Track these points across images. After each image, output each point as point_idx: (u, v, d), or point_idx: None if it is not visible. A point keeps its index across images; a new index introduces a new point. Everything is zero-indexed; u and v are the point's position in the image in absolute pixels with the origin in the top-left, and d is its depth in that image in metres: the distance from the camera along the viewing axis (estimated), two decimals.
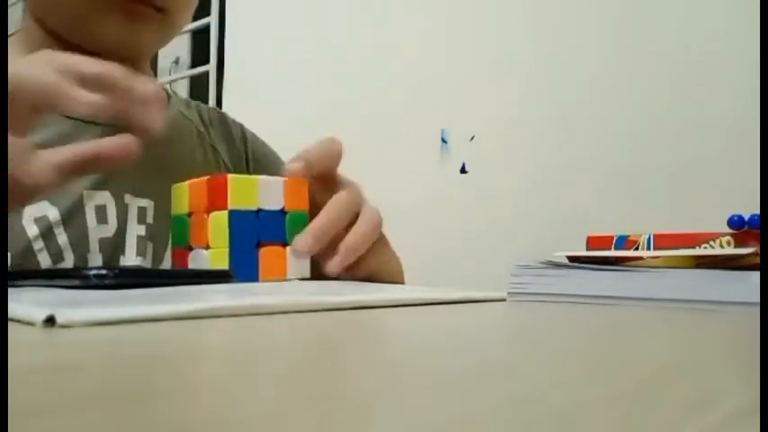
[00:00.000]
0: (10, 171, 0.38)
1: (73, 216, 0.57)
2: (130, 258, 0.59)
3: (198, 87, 2.28)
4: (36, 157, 0.39)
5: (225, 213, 0.44)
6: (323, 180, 0.52)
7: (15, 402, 0.11)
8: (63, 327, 0.21)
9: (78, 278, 0.36)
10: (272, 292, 0.37)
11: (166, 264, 0.62)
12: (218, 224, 0.45)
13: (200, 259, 0.46)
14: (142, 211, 0.61)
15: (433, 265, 1.59)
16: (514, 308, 0.40)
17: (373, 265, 0.56)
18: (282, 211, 0.47)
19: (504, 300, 0.44)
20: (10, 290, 0.31)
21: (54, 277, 0.39)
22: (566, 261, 0.47)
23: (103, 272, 0.35)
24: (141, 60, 0.66)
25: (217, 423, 0.10)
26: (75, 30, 0.59)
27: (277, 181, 0.47)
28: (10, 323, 0.22)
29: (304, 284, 0.51)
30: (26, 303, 0.24)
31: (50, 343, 0.19)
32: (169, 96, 0.69)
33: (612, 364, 0.18)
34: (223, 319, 0.25)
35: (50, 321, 0.21)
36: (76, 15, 0.58)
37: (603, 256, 0.46)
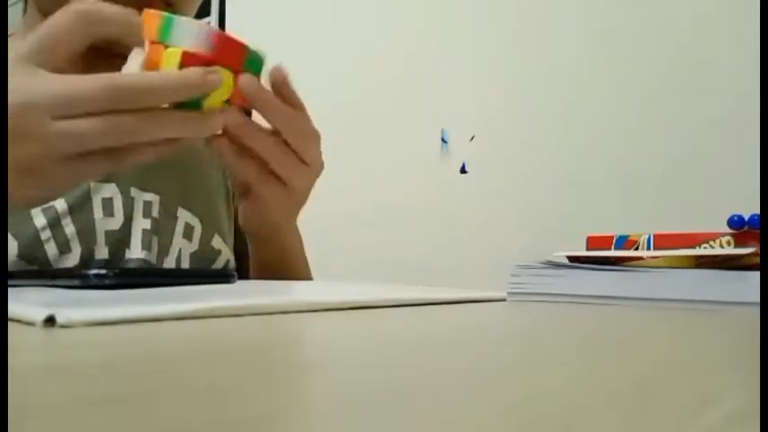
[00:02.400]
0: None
1: (80, 207, 0.57)
2: (135, 252, 0.59)
3: None
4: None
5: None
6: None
7: (15, 402, 0.11)
8: (63, 327, 0.21)
9: (78, 278, 0.36)
10: (271, 292, 0.37)
11: (171, 259, 0.62)
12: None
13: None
14: (148, 206, 0.61)
15: (433, 264, 1.59)
16: (514, 308, 0.40)
17: (276, 216, 0.55)
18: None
19: (504, 300, 0.44)
20: (10, 290, 0.31)
21: (54, 277, 0.39)
22: (566, 261, 0.47)
23: (103, 272, 0.35)
24: None
25: (217, 423, 0.10)
26: None
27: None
28: (10, 323, 0.22)
29: (304, 285, 0.51)
30: (26, 303, 0.24)
31: (50, 343, 0.19)
32: None
33: (612, 364, 0.18)
34: (223, 319, 0.25)
35: (50, 321, 0.21)
36: None
37: (603, 256, 0.46)
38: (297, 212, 0.59)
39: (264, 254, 0.62)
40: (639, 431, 0.11)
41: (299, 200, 0.55)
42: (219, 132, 0.48)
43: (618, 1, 1.38)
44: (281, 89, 0.49)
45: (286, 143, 0.49)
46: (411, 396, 0.13)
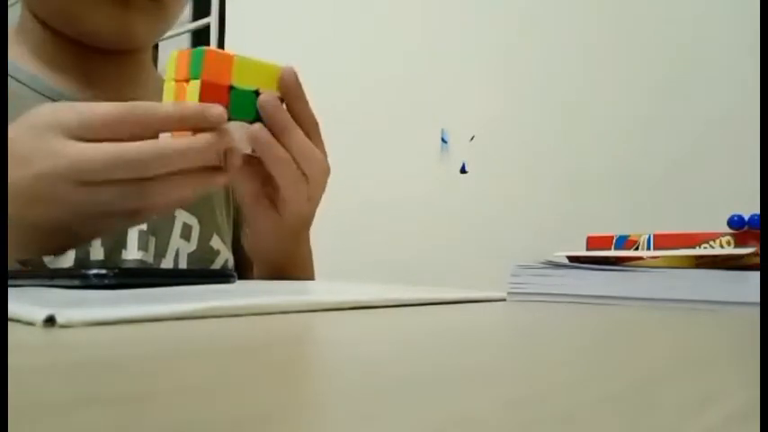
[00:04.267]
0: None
1: None
2: (132, 252, 0.59)
3: None
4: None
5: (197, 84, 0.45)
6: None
7: (15, 402, 0.11)
8: (63, 327, 0.21)
9: (78, 278, 0.36)
10: (271, 292, 0.37)
11: (169, 259, 0.62)
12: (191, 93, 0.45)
13: None
14: None
15: (433, 264, 1.59)
16: (514, 308, 0.40)
17: (270, 243, 0.56)
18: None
19: (504, 300, 0.44)
20: (10, 290, 0.31)
21: (54, 277, 0.39)
22: (566, 261, 0.47)
23: (103, 272, 0.35)
24: (140, 53, 0.66)
25: (217, 423, 0.10)
26: (68, 21, 0.59)
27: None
28: (10, 323, 0.22)
29: (304, 285, 0.51)
30: (26, 303, 0.24)
31: (50, 343, 0.19)
32: None
33: (612, 364, 0.18)
34: (223, 319, 0.25)
35: (50, 321, 0.21)
36: (67, 5, 0.58)
37: (603, 256, 0.46)
38: (296, 237, 0.60)
39: (267, 269, 0.63)
40: (639, 431, 0.11)
41: (295, 228, 0.57)
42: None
43: (618, 1, 1.38)
44: (295, 105, 0.50)
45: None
46: (411, 396, 0.13)
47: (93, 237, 0.47)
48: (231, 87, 0.46)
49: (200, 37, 2.30)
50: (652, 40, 1.33)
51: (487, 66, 1.56)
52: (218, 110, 0.42)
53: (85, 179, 0.40)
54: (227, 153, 0.44)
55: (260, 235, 0.57)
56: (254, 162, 0.50)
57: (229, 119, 0.45)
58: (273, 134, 0.49)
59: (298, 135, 0.50)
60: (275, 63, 0.49)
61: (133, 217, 0.44)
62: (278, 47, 1.97)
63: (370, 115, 1.74)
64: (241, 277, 0.49)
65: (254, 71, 0.47)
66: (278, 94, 0.49)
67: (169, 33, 2.17)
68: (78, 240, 0.47)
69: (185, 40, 2.34)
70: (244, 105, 0.46)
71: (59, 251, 0.50)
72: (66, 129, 0.40)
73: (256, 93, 0.47)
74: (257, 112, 0.47)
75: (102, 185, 0.40)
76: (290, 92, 0.50)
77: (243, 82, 0.46)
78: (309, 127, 0.51)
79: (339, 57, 1.84)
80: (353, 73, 1.80)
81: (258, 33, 2.06)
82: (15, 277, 0.40)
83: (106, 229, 0.46)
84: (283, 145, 0.49)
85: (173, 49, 0.47)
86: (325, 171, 0.54)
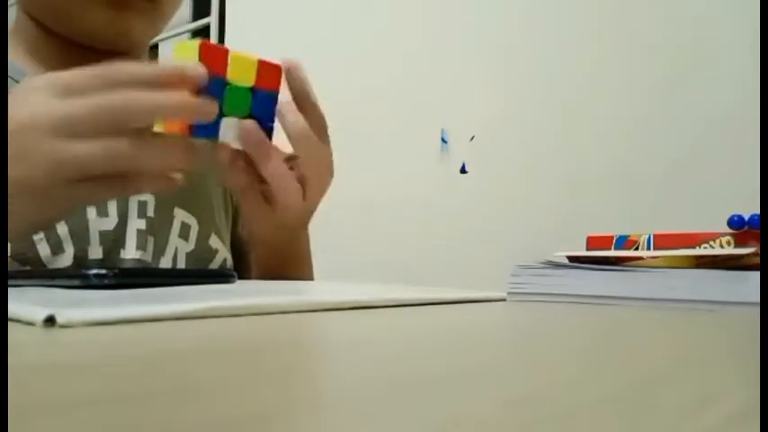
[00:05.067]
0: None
1: None
2: (130, 252, 0.59)
3: None
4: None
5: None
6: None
7: (15, 402, 0.11)
8: (63, 327, 0.21)
9: (78, 278, 0.36)
10: (271, 292, 0.37)
11: (167, 258, 0.62)
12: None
13: None
14: (143, 205, 0.61)
15: (433, 264, 1.59)
16: (514, 308, 0.40)
17: (263, 232, 0.54)
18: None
19: (503, 300, 0.44)
20: (10, 290, 0.31)
21: (54, 277, 0.39)
22: (566, 261, 0.47)
23: (103, 272, 0.35)
24: (136, 53, 0.66)
25: (217, 423, 0.10)
26: (62, 21, 0.59)
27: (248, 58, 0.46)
28: (10, 323, 0.22)
29: (304, 285, 0.51)
30: (26, 303, 0.24)
31: (50, 343, 0.19)
32: None
33: (612, 364, 0.18)
34: (223, 319, 0.25)
35: (50, 321, 0.21)
36: (62, 6, 0.58)
37: (603, 256, 0.46)
38: (292, 233, 0.59)
39: (265, 258, 0.63)
40: (639, 431, 0.11)
41: (289, 224, 0.55)
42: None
43: (618, 1, 1.38)
44: (304, 102, 0.49)
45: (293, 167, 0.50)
46: (411, 396, 0.13)
47: (67, 207, 0.43)
48: (226, 83, 0.45)
49: (200, 37, 2.30)
50: (652, 40, 1.33)
51: (487, 66, 1.56)
52: (197, 67, 0.41)
53: (65, 129, 0.38)
54: (217, 148, 0.44)
55: (253, 226, 0.57)
56: (248, 158, 0.50)
57: (223, 115, 0.44)
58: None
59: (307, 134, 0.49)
60: (269, 60, 0.48)
61: (113, 187, 0.41)
62: (278, 47, 1.97)
63: (370, 115, 1.74)
64: (240, 277, 0.49)
65: (250, 67, 0.46)
66: (277, 90, 0.48)
67: (169, 33, 2.16)
68: (51, 212, 0.43)
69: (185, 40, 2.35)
70: (237, 102, 0.46)
71: (30, 226, 0.47)
72: (51, 86, 0.39)
73: (251, 90, 0.47)
74: (250, 109, 0.47)
75: (82, 139, 0.38)
76: (298, 90, 0.49)
77: (238, 78, 0.46)
78: (318, 125, 0.50)
79: (339, 57, 1.84)
80: (353, 73, 1.80)
81: (258, 33, 2.06)
82: (15, 277, 0.40)
83: (83, 198, 0.42)
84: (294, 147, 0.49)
85: (173, 47, 0.47)
86: (329, 169, 0.53)
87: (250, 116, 0.47)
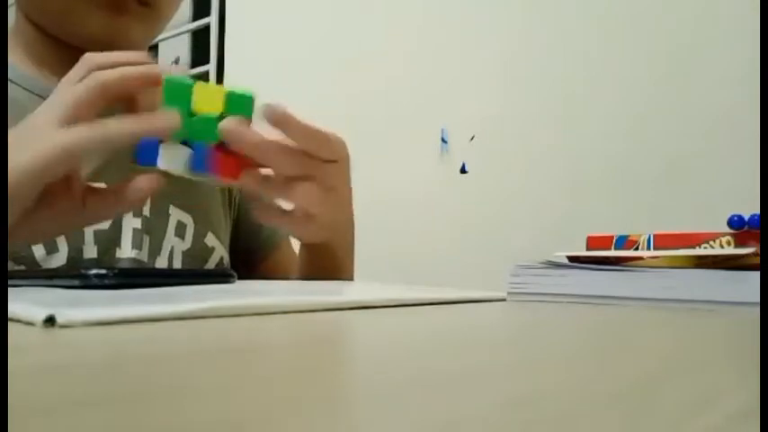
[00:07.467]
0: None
1: None
2: (126, 251, 0.59)
3: None
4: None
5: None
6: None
7: (15, 402, 0.11)
8: (63, 327, 0.21)
9: (78, 278, 0.36)
10: (271, 292, 0.37)
11: (164, 257, 0.62)
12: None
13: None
14: None
15: (433, 264, 1.59)
16: (514, 308, 0.40)
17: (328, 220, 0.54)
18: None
19: (503, 300, 0.44)
20: (10, 290, 0.31)
21: (54, 277, 0.39)
22: (566, 261, 0.47)
23: (103, 272, 0.35)
24: None
25: (217, 423, 0.10)
26: (60, 24, 0.59)
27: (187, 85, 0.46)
28: (10, 323, 0.22)
29: (304, 284, 0.51)
30: (26, 303, 0.24)
31: (50, 343, 0.19)
32: None
33: (612, 364, 0.18)
34: (223, 319, 0.25)
35: (50, 321, 0.21)
36: (61, 10, 0.58)
37: (603, 256, 0.46)
38: (333, 232, 0.59)
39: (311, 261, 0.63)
40: (639, 431, 0.11)
41: (326, 230, 0.54)
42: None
43: (618, 1, 1.38)
44: (295, 134, 0.48)
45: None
46: (411, 396, 0.13)
47: (81, 222, 0.48)
48: (191, 113, 0.46)
49: (200, 37, 2.30)
50: (652, 40, 1.33)
51: (487, 66, 1.56)
52: (154, 67, 0.44)
53: (69, 114, 0.41)
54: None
55: (294, 235, 0.57)
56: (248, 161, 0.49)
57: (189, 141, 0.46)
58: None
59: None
60: (239, 89, 0.48)
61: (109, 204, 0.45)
62: (278, 47, 1.97)
63: (370, 115, 1.74)
64: (239, 275, 0.48)
65: (216, 98, 0.46)
66: (246, 120, 0.47)
67: (169, 34, 2.16)
68: (59, 228, 0.48)
69: (185, 40, 2.34)
70: (204, 130, 0.46)
71: (36, 237, 0.49)
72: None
73: (220, 117, 0.47)
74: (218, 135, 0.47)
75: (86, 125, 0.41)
76: (285, 125, 0.48)
77: (204, 108, 0.46)
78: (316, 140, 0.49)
79: (339, 56, 1.84)
80: (353, 73, 1.80)
81: (258, 33, 2.06)
82: (15, 277, 0.40)
83: (93, 217, 0.47)
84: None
85: (171, 55, 0.47)
86: (343, 148, 0.52)
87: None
